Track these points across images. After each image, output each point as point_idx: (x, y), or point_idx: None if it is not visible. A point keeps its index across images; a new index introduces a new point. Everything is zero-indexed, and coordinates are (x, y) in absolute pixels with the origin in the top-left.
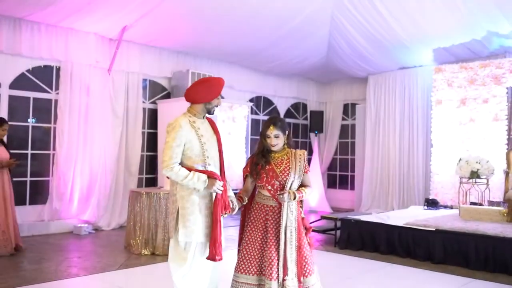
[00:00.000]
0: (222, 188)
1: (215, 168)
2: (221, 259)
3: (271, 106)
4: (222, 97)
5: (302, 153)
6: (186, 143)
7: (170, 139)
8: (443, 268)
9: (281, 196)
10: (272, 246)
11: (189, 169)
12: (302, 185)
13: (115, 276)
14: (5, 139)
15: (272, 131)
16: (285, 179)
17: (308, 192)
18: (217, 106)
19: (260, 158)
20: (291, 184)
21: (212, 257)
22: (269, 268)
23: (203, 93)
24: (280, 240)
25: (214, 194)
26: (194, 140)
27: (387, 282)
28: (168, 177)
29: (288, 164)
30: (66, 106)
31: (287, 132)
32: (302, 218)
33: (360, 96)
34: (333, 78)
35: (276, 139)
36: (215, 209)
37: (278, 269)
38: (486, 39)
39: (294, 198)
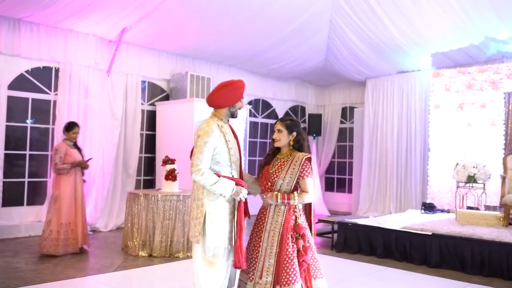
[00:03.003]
0: (246, 196)
1: (236, 173)
2: (244, 266)
3: (269, 109)
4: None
5: (301, 157)
6: (215, 148)
7: (202, 143)
8: (439, 272)
9: (264, 197)
10: (258, 248)
11: (217, 175)
12: (298, 190)
13: (112, 277)
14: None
15: (277, 126)
16: (274, 180)
17: (300, 198)
18: (240, 109)
19: (265, 157)
20: (280, 186)
21: (239, 265)
22: (252, 269)
23: (226, 97)
24: (262, 243)
25: (237, 200)
26: (222, 145)
27: (383, 285)
28: (194, 182)
29: (282, 166)
30: (65, 107)
31: (294, 133)
32: (297, 224)
33: (358, 100)
34: (331, 81)
35: (278, 134)
36: (239, 215)
37: (255, 271)
38: (484, 45)
39: (277, 201)
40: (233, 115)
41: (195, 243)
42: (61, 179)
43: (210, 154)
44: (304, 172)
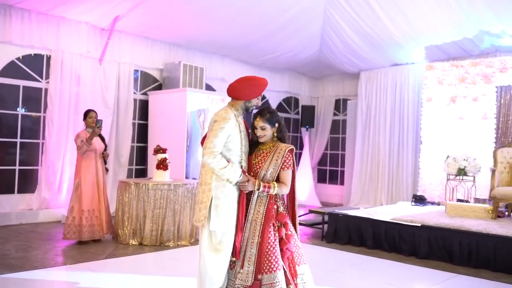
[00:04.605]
0: (251, 189)
1: (245, 164)
2: (239, 257)
3: (263, 100)
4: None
5: (284, 148)
6: (229, 136)
7: (218, 128)
8: (427, 263)
9: (245, 186)
10: (241, 236)
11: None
12: (278, 181)
13: (102, 265)
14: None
15: (259, 123)
16: (257, 171)
17: (279, 189)
18: (255, 107)
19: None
20: (263, 176)
21: (235, 255)
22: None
23: (246, 91)
24: (244, 233)
25: (239, 191)
26: (236, 134)
27: (372, 275)
28: (202, 166)
29: (265, 157)
30: (56, 95)
31: (276, 125)
32: (279, 213)
33: (352, 92)
34: (325, 73)
35: (263, 131)
36: (242, 202)
37: (237, 261)
38: (478, 38)
39: (258, 189)
40: (248, 110)
41: (201, 228)
42: (81, 166)
43: (224, 140)
44: (285, 164)
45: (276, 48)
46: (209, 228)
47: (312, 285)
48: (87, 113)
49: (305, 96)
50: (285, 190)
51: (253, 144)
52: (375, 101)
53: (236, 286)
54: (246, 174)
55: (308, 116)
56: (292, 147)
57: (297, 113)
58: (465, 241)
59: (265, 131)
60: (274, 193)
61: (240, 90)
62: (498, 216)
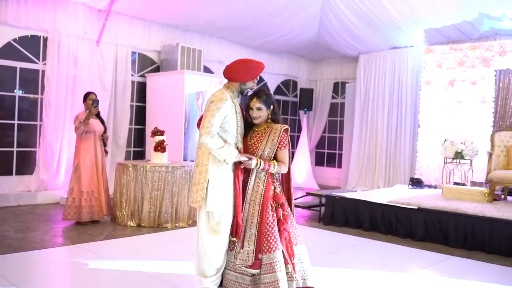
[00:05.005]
0: (253, 166)
1: (241, 145)
2: (240, 237)
3: (261, 83)
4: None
5: (280, 128)
6: (226, 117)
7: (215, 108)
8: (423, 245)
9: (248, 162)
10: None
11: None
12: (276, 160)
13: (100, 246)
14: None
15: (255, 104)
16: (254, 151)
17: (278, 167)
18: (251, 90)
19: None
20: (260, 157)
21: (236, 235)
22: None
23: (242, 73)
24: (243, 214)
25: (233, 172)
26: (232, 115)
27: (369, 257)
28: (199, 148)
29: (261, 138)
30: (54, 77)
31: (272, 107)
32: (276, 194)
33: (351, 75)
34: (324, 56)
35: (258, 111)
36: (239, 182)
37: (236, 242)
38: (477, 21)
39: (259, 167)
40: (243, 93)
41: (198, 209)
42: (81, 148)
43: (221, 120)
44: (282, 143)
45: (275, 30)
46: (206, 209)
47: (309, 264)
48: (86, 95)
49: (303, 79)
50: (284, 169)
51: (248, 127)
52: (373, 84)
53: (237, 266)
54: (246, 154)
55: (306, 99)
56: (287, 127)
57: (296, 96)
58: (461, 224)
59: (261, 112)
60: (274, 171)
61: (236, 72)
62: (494, 199)
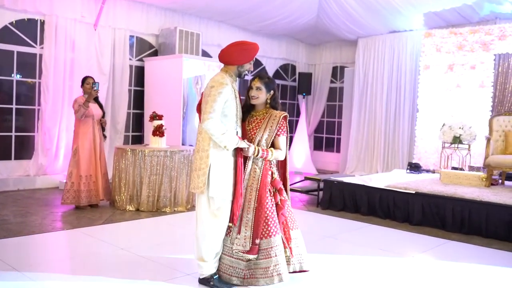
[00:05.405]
0: (250, 154)
1: (240, 130)
2: (236, 223)
3: (259, 67)
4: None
5: (279, 115)
6: (226, 101)
7: (216, 93)
8: (420, 229)
9: (246, 149)
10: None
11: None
12: (273, 147)
13: (99, 230)
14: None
15: (256, 83)
16: (252, 137)
17: (276, 154)
18: (248, 71)
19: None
20: (258, 143)
21: (233, 221)
22: (230, 225)
23: (239, 56)
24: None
25: (234, 158)
26: (232, 100)
27: (367, 241)
28: (199, 133)
29: (259, 123)
30: (51, 61)
31: (272, 92)
32: (274, 179)
33: (349, 59)
34: (322, 40)
35: (257, 91)
36: (240, 168)
37: (233, 227)
38: (477, 4)
39: (257, 155)
40: (240, 75)
41: (199, 194)
42: (79, 133)
43: (222, 105)
44: (280, 130)
45: (274, 13)
46: (208, 195)
47: (304, 249)
48: (84, 80)
49: (302, 63)
50: (281, 156)
51: (246, 111)
52: (372, 69)
53: (234, 251)
54: (245, 141)
55: (305, 83)
56: (286, 114)
57: (294, 80)
58: (458, 208)
59: (259, 93)
60: (271, 159)
61: (232, 55)
62: (492, 184)
